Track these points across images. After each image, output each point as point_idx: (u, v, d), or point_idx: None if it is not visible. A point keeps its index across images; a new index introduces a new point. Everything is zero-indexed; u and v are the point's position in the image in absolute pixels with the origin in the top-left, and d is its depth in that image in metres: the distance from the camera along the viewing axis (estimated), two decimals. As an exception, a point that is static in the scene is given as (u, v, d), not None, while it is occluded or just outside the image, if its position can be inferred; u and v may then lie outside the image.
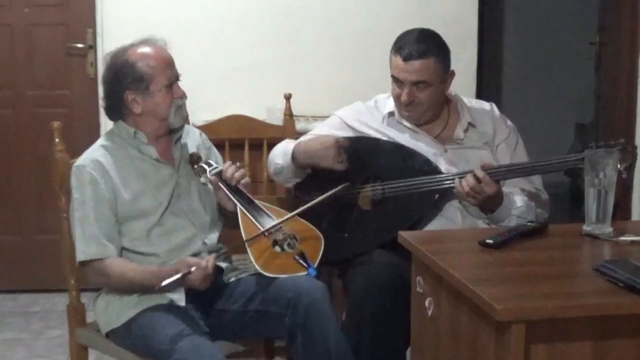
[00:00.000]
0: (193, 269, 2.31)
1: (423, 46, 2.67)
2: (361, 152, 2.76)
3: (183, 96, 2.55)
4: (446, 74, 2.74)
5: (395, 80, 2.73)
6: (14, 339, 3.78)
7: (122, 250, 2.49)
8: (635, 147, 2.46)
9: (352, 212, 2.73)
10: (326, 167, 2.70)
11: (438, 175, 2.66)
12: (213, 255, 2.40)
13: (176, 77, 2.54)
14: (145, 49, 2.51)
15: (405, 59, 2.67)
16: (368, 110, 2.88)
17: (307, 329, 2.36)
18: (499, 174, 2.57)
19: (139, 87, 2.49)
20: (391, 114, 2.82)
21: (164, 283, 2.27)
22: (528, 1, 6.43)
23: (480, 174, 2.53)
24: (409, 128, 2.79)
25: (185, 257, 2.43)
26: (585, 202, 2.24)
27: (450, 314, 2.01)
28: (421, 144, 2.75)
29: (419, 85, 2.69)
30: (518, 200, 2.67)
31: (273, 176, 2.95)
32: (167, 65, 2.52)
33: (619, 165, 2.31)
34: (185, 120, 2.68)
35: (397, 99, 2.75)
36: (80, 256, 2.46)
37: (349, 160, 2.71)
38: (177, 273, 2.30)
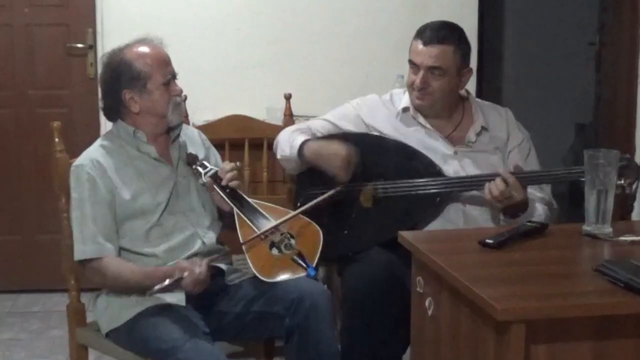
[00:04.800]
0: (186, 273, 2.31)
1: (444, 33, 2.69)
2: (365, 150, 2.76)
3: (180, 93, 2.56)
4: (463, 69, 2.74)
5: (412, 64, 2.73)
6: (14, 339, 3.78)
7: (122, 251, 2.49)
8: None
9: (352, 210, 2.73)
10: (329, 174, 2.66)
11: (441, 178, 2.66)
12: (206, 260, 2.38)
13: (173, 75, 2.55)
14: (142, 48, 2.52)
15: (425, 43, 2.68)
16: (384, 104, 2.85)
17: (304, 331, 2.37)
18: (527, 179, 2.55)
19: (137, 85, 2.49)
20: (405, 109, 2.80)
21: (156, 287, 2.27)
22: (528, 1, 6.43)
23: (510, 178, 2.52)
24: (422, 125, 2.77)
25: (181, 260, 2.43)
26: (585, 202, 2.24)
27: (450, 314, 2.01)
28: (433, 142, 2.74)
29: (434, 72, 2.68)
30: (539, 208, 2.66)
31: (279, 160, 2.90)
32: (164, 63, 2.53)
33: (622, 181, 2.31)
34: (185, 118, 2.68)
35: (410, 85, 2.75)
36: (77, 255, 2.47)
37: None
38: (171, 276, 2.30)
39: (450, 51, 2.68)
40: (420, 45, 2.69)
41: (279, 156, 2.85)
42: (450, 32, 2.71)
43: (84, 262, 2.47)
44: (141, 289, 2.40)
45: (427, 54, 2.68)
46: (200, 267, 2.33)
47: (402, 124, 2.79)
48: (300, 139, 2.72)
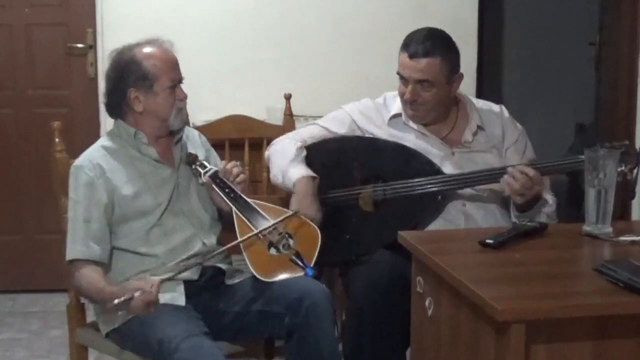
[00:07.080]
0: (137, 293, 2.25)
1: (429, 45, 2.66)
2: (362, 153, 2.75)
3: (184, 99, 2.56)
4: (453, 76, 2.72)
5: (401, 77, 2.72)
6: (14, 339, 3.78)
7: (122, 251, 2.49)
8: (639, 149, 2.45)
9: (353, 214, 2.72)
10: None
11: (440, 176, 2.65)
12: (158, 279, 2.32)
13: (179, 80, 2.55)
14: (152, 49, 2.53)
15: (411, 56, 2.66)
16: (377, 108, 2.85)
17: (305, 331, 2.37)
18: (544, 169, 2.56)
19: (143, 85, 2.49)
20: (396, 115, 2.80)
21: (116, 301, 2.24)
22: (528, 1, 6.43)
23: (531, 172, 2.51)
24: (415, 129, 2.77)
25: (132, 279, 2.38)
26: (585, 202, 2.24)
27: (450, 314, 2.01)
28: (428, 146, 2.73)
29: (423, 84, 2.67)
30: (549, 198, 2.66)
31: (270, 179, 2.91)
32: (172, 67, 2.53)
33: (623, 167, 2.32)
34: (186, 122, 2.68)
35: (401, 96, 2.75)
36: (67, 255, 2.47)
37: (350, 159, 2.74)
38: (118, 296, 2.25)
39: (437, 63, 2.66)
40: (406, 59, 2.68)
41: (271, 177, 2.83)
42: (435, 43, 2.67)
43: (71, 264, 2.47)
44: (95, 302, 2.46)
45: (414, 67, 2.66)
46: (152, 286, 2.26)
47: (395, 128, 2.79)
48: (294, 172, 2.67)
